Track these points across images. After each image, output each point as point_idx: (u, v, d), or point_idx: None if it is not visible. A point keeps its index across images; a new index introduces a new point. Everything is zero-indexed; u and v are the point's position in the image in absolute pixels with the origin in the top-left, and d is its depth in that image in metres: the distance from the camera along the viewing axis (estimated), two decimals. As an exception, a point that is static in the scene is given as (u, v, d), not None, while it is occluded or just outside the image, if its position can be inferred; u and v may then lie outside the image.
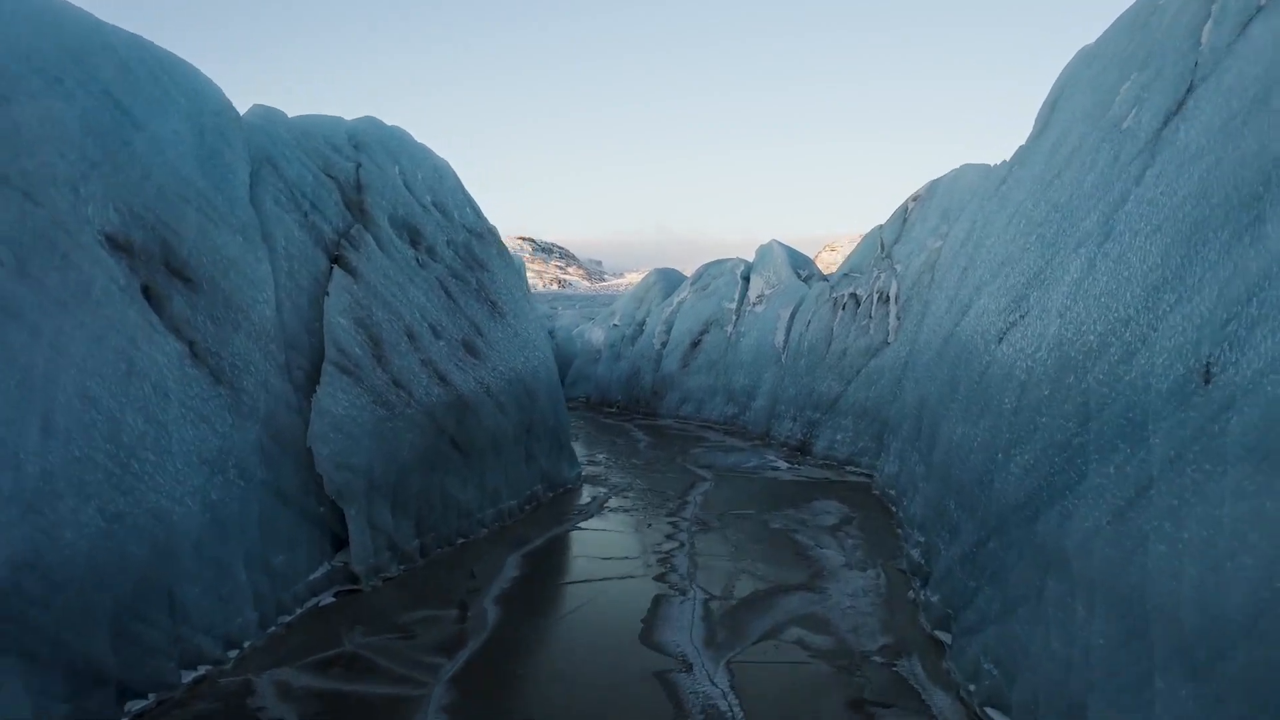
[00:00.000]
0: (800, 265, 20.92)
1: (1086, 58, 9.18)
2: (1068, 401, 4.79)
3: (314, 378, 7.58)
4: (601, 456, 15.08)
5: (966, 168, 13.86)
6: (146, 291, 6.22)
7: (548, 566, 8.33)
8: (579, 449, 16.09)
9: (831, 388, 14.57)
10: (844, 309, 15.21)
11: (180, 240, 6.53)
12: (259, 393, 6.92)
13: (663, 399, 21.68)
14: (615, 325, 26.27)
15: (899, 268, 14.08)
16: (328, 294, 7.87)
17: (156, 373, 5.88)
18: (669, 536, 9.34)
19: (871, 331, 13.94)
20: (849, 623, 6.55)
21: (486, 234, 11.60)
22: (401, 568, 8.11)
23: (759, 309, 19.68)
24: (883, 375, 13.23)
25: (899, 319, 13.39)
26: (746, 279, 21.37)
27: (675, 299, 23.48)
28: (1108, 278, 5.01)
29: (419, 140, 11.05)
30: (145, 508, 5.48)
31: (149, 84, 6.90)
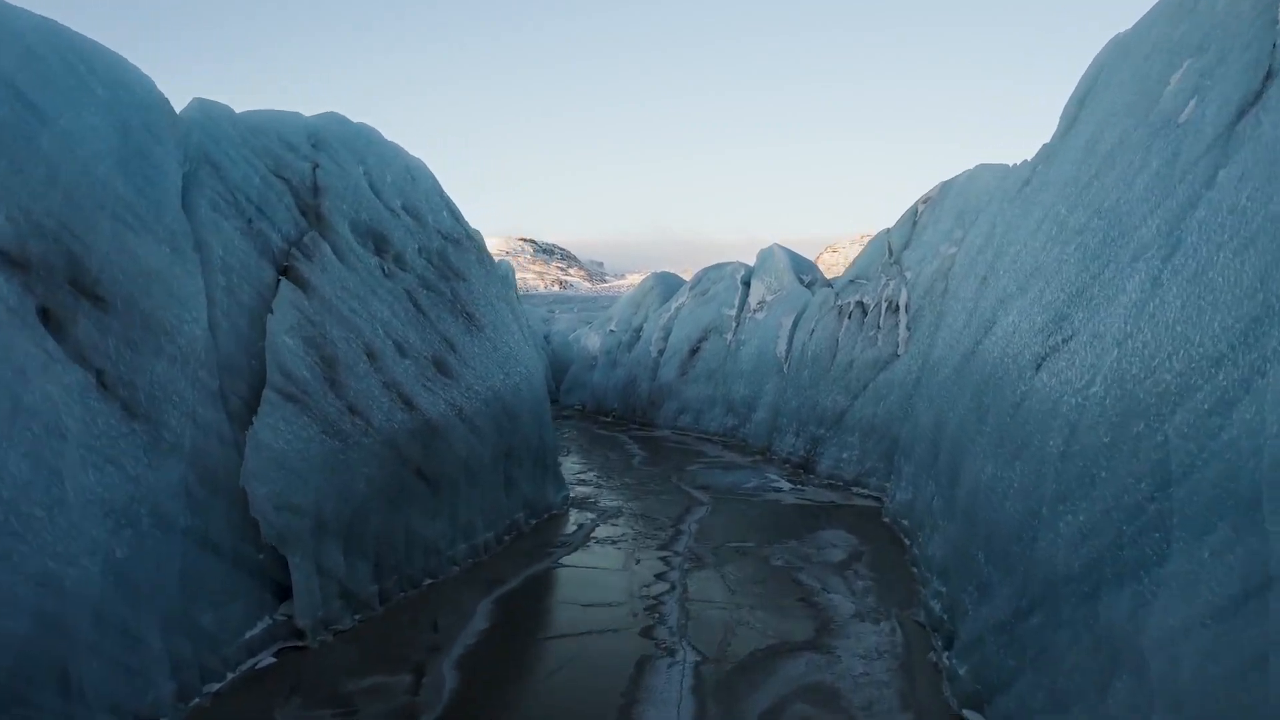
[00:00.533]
0: (803, 270, 20.02)
1: (1121, 47, 8.28)
2: (1138, 456, 3.89)
3: (255, 407, 6.70)
4: (592, 475, 14.20)
5: (982, 168, 12.96)
6: (45, 314, 5.35)
7: (521, 615, 7.44)
8: (570, 463, 15.22)
9: (837, 402, 13.67)
10: (850, 318, 14.31)
11: (90, 253, 5.65)
12: (184, 427, 6.03)
13: (660, 409, 20.79)
14: (611, 331, 25.39)
15: (909, 275, 13.18)
16: (271, 311, 6.99)
17: (50, 409, 5.00)
18: (659, 576, 8.45)
19: (880, 343, 13.04)
20: (862, 697, 5.65)
21: (465, 240, 10.71)
22: (357, 618, 7.22)
23: (760, 316, 18.78)
24: (892, 390, 12.32)
25: (909, 330, 12.49)
26: (747, 284, 20.47)
27: (673, 304, 22.59)
28: (1181, 301, 4.12)
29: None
30: (26, 574, 4.61)
31: (62, 74, 6.02)
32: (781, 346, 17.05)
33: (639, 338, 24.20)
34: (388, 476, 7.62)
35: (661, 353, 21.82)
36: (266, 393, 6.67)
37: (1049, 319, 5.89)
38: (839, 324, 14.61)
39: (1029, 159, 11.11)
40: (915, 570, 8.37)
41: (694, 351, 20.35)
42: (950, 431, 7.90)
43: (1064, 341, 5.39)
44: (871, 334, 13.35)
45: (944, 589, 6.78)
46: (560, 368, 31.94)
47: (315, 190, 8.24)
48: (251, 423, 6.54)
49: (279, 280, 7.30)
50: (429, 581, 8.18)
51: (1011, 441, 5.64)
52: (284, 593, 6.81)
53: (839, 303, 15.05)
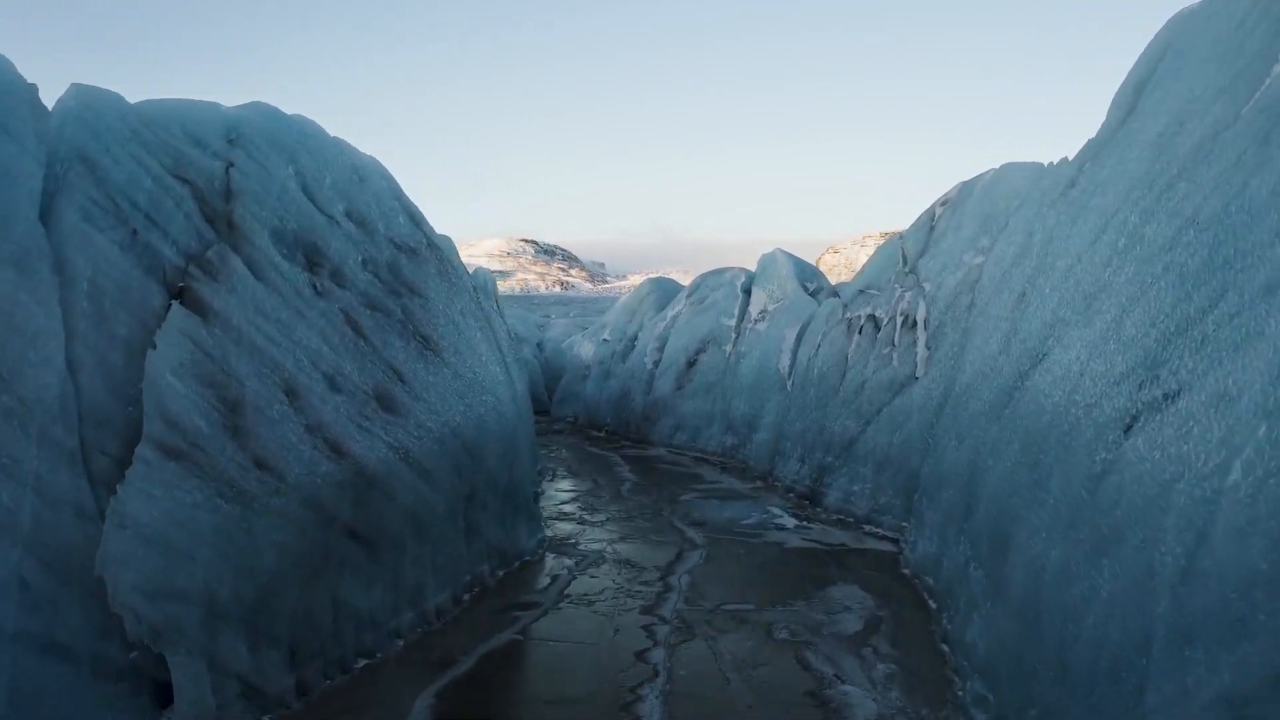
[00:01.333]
0: (807, 277, 18.66)
1: (1194, 20, 6.91)
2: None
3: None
4: (576, 506, 12.85)
5: (1010, 168, 11.57)
6: None
7: (465, 717, 6.09)
8: (554, 490, 13.88)
9: (847, 427, 12.30)
10: (860, 333, 12.94)
11: (-115, 278, 4.33)
12: (21, 499, 4.71)
13: (655, 424, 19.44)
14: (605, 340, 24.04)
15: (927, 286, 11.82)
16: (154, 345, 5.65)
17: None
18: (640, 654, 7.09)
19: (895, 362, 11.68)
20: None
21: (424, 249, 9.37)
22: (266, 718, 5.89)
23: (761, 327, 17.42)
24: (910, 417, 10.96)
25: (929, 349, 11.13)
26: (748, 292, 19.10)
27: (669, 313, 21.23)
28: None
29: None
30: None
31: None
32: (784, 361, 15.69)
33: (634, 347, 22.85)
34: (308, 542, 6.28)
35: (657, 364, 20.46)
36: (141, 449, 5.33)
37: (1136, 362, 4.54)
38: (848, 339, 13.24)
39: (1067, 157, 9.75)
40: (947, 651, 7.00)
41: (691, 364, 18.99)
42: (992, 485, 6.54)
43: (1166, 398, 4.04)
44: (885, 352, 11.98)
45: (990, 695, 5.42)
46: (554, 376, 30.63)
47: (228, 194, 6.90)
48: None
49: (170, 304, 5.97)
50: (363, 663, 6.84)
51: (1091, 527, 4.30)
52: (169, 696, 5.49)
53: (848, 315, 13.68)
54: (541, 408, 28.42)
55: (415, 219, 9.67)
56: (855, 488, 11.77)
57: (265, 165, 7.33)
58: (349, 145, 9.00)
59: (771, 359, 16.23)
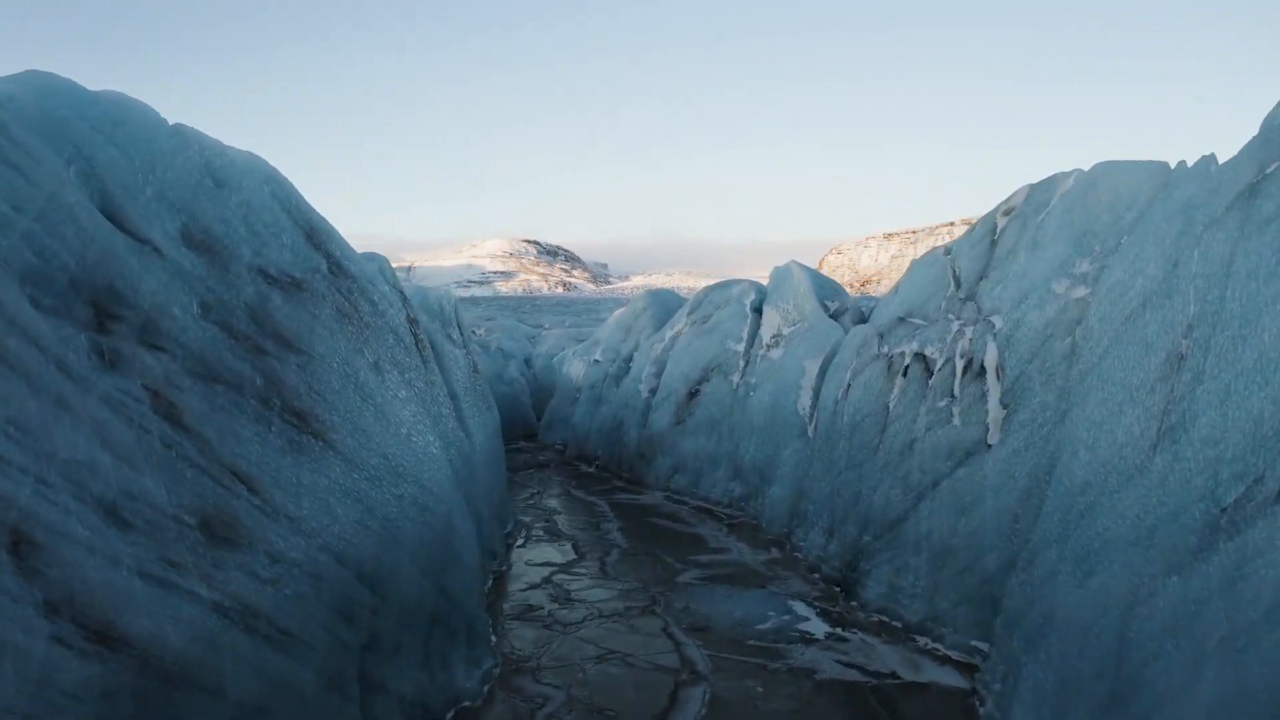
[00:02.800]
0: (828, 294, 15.99)
1: None
2: None
3: None
4: (546, 595, 10.20)
5: (1110, 167, 8.84)
6: None
7: None
8: (526, 559, 11.23)
9: (890, 499, 9.64)
10: (905, 375, 10.27)
11: None
12: None
13: (651, 464, 16.79)
14: (596, 361, 21.40)
15: (997, 322, 9.13)
16: None
17: None
18: None
19: (956, 420, 9.00)
20: None
21: (319, 279, 6.73)
22: None
23: (775, 355, 14.75)
24: (981, 499, 8.29)
25: (1005, 407, 8.45)
26: (758, 311, 16.41)
27: (668, 332, 18.56)
28: None
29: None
30: None
31: None
32: (804, 400, 13.02)
33: (628, 370, 20.20)
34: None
35: (654, 393, 17.81)
36: None
37: None
38: (888, 382, 10.57)
39: (1212, 155, 7.05)
40: None
41: (692, 395, 16.33)
42: (1202, 698, 3.88)
43: None
44: (942, 405, 9.30)
45: None
46: (545, 395, 28.04)
47: (-66, 213, 4.28)
48: None
49: None
50: None
51: None
52: None
53: (886, 350, 11.00)
54: (530, 430, 25.82)
55: (312, 236, 7.03)
56: (903, 582, 9.10)
57: (21, 166, 4.69)
58: (206, 138, 6.35)
59: (788, 395, 13.56)
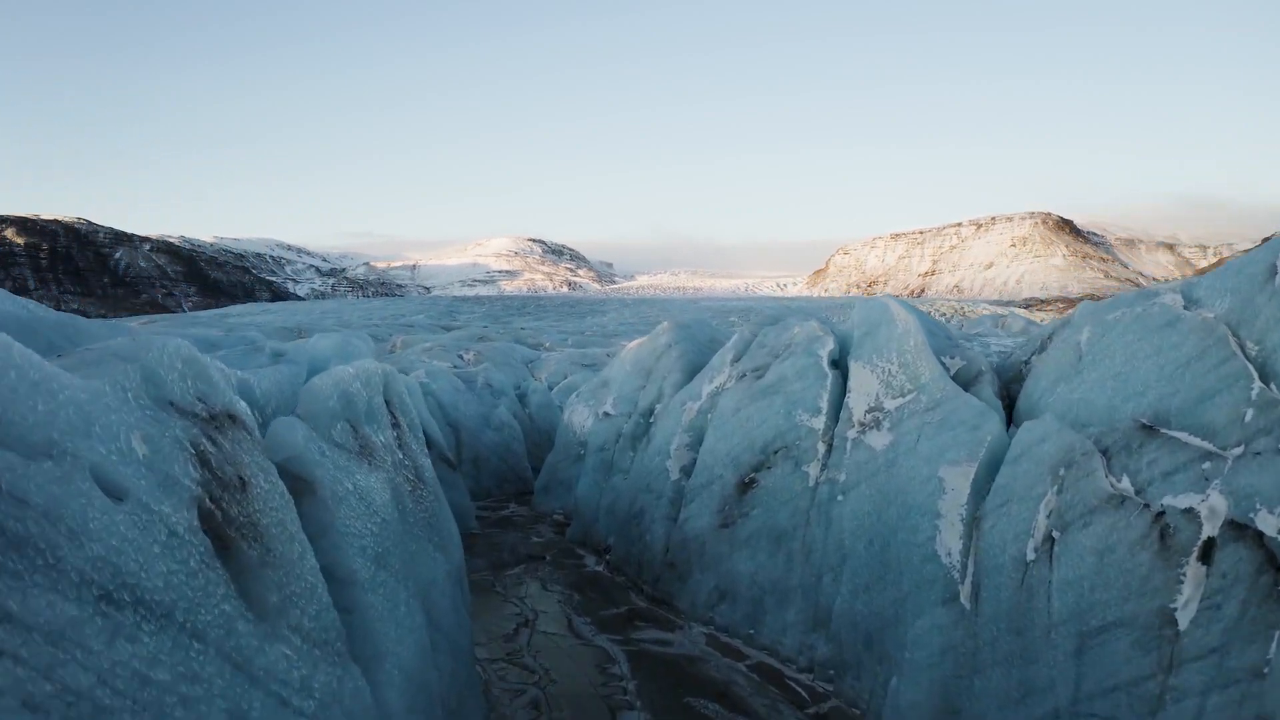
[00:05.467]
0: (939, 343, 11.05)
1: None
2: None
3: None
4: None
5: None
6: None
7: None
8: None
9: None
10: (1202, 559, 5.37)
11: None
12: None
13: (685, 580, 11.91)
14: (607, 414, 16.50)
15: None
16: None
17: None
18: None
19: None
20: None
21: None
22: None
23: (877, 440, 9.83)
24: None
25: None
26: (838, 366, 11.48)
27: (704, 386, 13.65)
28: None
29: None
30: None
31: None
32: (948, 537, 8.07)
33: (648, 429, 15.34)
34: None
35: (686, 473, 12.91)
36: None
37: None
38: (1160, 562, 5.66)
39: None
40: None
41: (746, 486, 11.42)
42: None
43: None
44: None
45: None
46: (542, 439, 23.15)
47: None
48: None
49: None
50: None
51: None
52: None
53: (1142, 499, 6.10)
54: (523, 487, 20.95)
55: None
56: None
57: None
58: None
59: (909, 517, 8.65)
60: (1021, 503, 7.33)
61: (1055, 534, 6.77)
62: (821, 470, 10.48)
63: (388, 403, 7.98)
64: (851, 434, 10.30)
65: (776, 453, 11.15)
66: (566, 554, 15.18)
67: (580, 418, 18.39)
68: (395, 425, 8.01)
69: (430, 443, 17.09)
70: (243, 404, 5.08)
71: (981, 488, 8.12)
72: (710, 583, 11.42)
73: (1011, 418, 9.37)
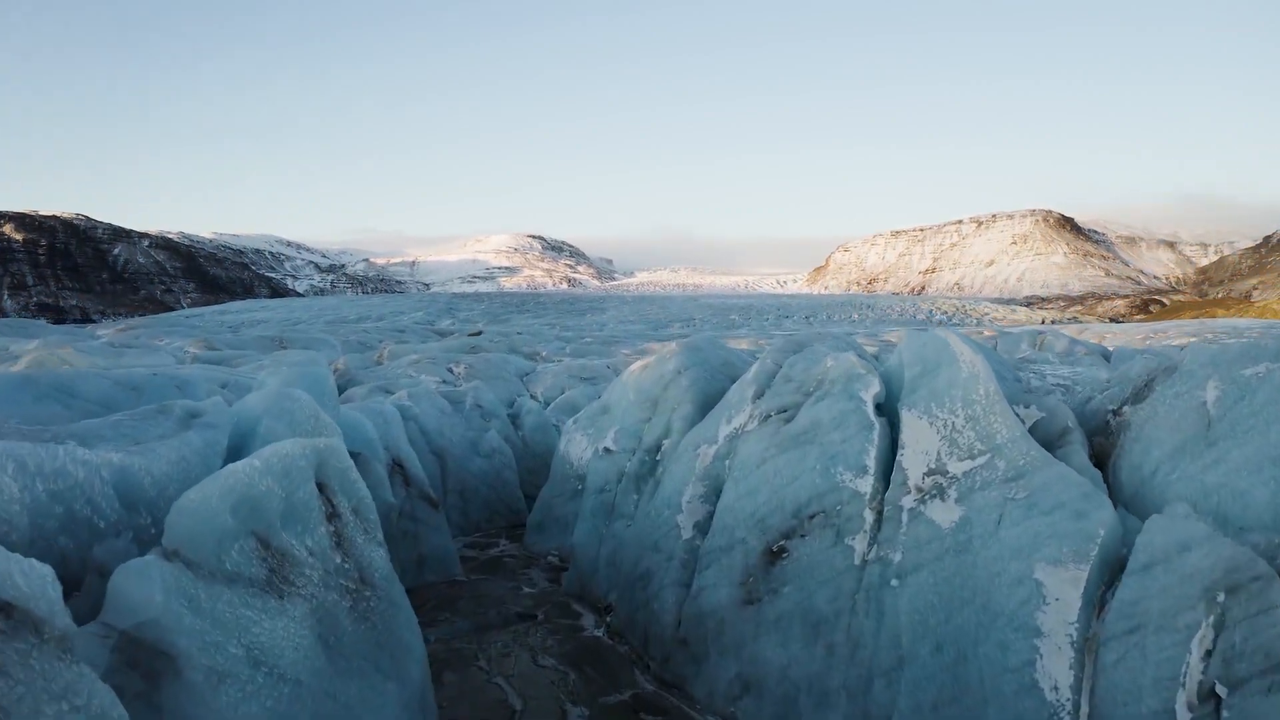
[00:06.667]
0: (1014, 392, 9.19)
1: None
2: None
3: None
4: None
5: None
6: None
7: None
8: None
9: None
10: None
11: None
12: None
13: (701, 664, 10.07)
14: (608, 450, 14.65)
15: None
16: None
17: None
18: None
19: None
20: None
21: None
22: None
23: (941, 515, 7.99)
24: None
25: None
26: (887, 414, 9.62)
27: (721, 426, 11.78)
28: None
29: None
30: None
31: None
32: (1059, 669, 6.21)
33: (654, 467, 13.51)
34: None
35: (701, 530, 11.07)
36: None
37: None
38: None
39: None
40: None
41: (775, 554, 9.57)
42: None
43: None
44: None
45: None
46: (536, 464, 21.33)
47: None
48: None
49: None
50: None
51: None
52: None
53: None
54: (516, 518, 19.11)
55: None
56: None
57: None
58: None
59: (1003, 631, 6.80)
60: (1160, 633, 5.48)
61: (1221, 691, 4.92)
62: (870, 545, 8.63)
63: (323, 487, 6.10)
64: (907, 502, 8.45)
65: (812, 518, 9.30)
66: (562, 610, 13.35)
67: (578, 448, 16.55)
68: (333, 516, 6.15)
69: (409, 479, 15.26)
70: (40, 580, 3.22)
71: (1092, 595, 6.27)
72: (731, 669, 9.59)
73: (1110, 490, 7.53)
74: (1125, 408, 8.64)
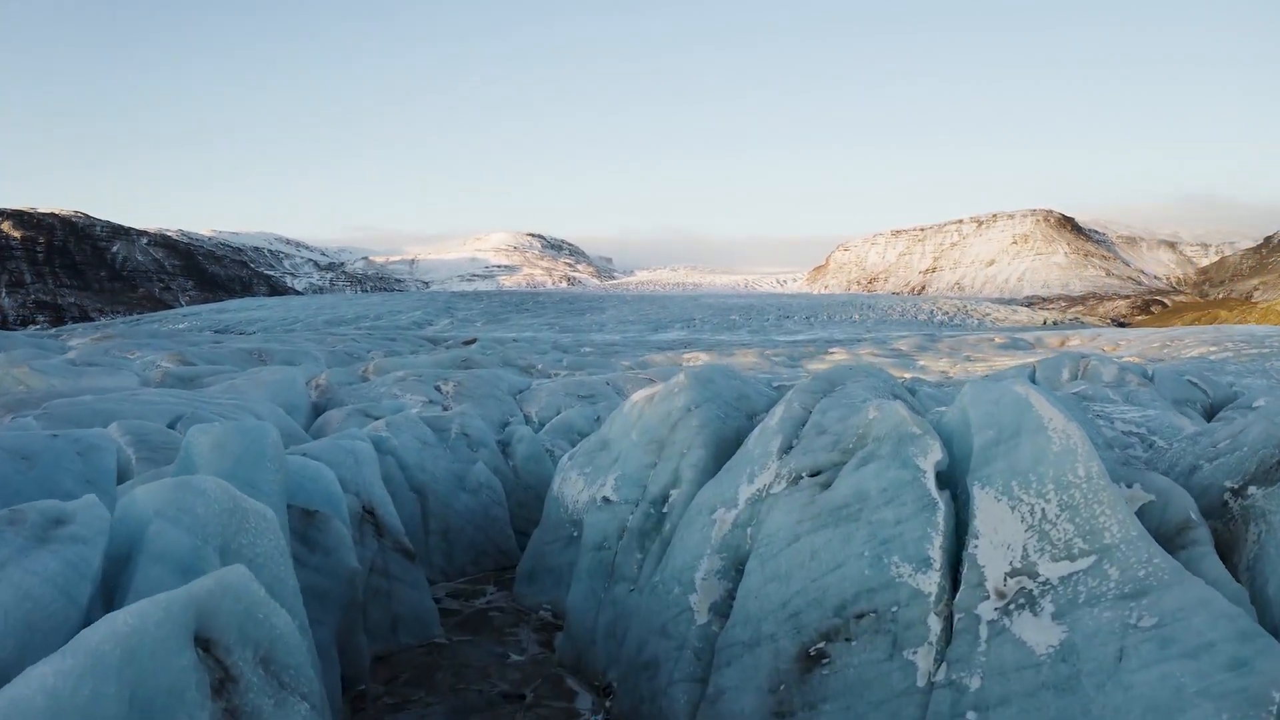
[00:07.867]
0: (1116, 471, 7.42)
1: None
2: None
3: None
4: None
5: None
6: None
7: None
8: None
9: None
10: None
11: None
12: None
13: (718, 782, 8.29)
14: (608, 500, 12.86)
15: None
16: None
17: None
18: None
19: None
20: None
21: None
22: None
23: (1034, 635, 6.23)
24: None
25: None
26: (948, 481, 7.85)
27: (741, 485, 9.97)
28: None
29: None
30: None
31: None
32: None
33: (660, 525, 11.71)
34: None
35: (719, 613, 9.27)
36: None
37: None
38: None
39: None
40: None
41: (812, 659, 7.79)
42: None
43: None
44: None
45: None
46: (527, 498, 19.57)
47: None
48: None
49: None
50: None
51: None
52: None
53: None
54: (505, 560, 17.34)
55: None
56: None
57: None
58: None
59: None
60: None
61: None
62: (937, 663, 6.86)
63: (210, 645, 4.29)
64: (986, 611, 6.68)
65: (860, 618, 7.52)
66: (554, 688, 11.58)
67: (573, 489, 14.77)
68: (224, 684, 4.34)
69: (382, 529, 13.46)
70: None
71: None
72: (758, 798, 7.82)
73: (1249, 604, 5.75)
74: (1252, 489, 6.87)
